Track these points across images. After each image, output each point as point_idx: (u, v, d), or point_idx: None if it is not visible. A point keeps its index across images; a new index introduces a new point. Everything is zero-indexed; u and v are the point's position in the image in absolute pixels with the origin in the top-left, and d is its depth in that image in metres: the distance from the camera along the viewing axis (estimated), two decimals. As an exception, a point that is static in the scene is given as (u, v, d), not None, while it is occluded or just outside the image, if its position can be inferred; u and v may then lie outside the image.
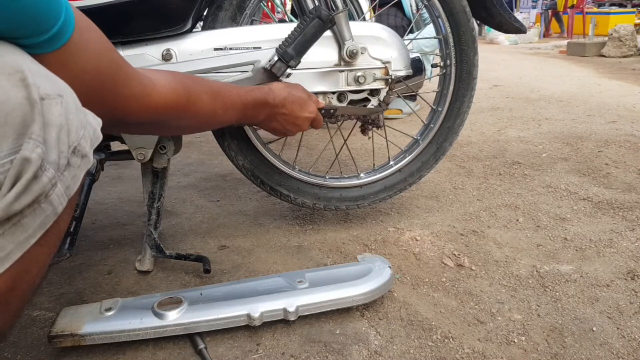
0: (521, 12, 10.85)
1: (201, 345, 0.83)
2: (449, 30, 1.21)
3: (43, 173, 0.43)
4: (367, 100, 1.14)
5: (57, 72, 0.49)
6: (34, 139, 0.42)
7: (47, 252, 0.48)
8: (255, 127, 0.94)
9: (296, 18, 1.96)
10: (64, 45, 0.51)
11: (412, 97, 2.65)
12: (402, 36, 1.17)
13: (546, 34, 10.13)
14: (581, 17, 8.87)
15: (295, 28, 0.96)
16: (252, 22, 1.14)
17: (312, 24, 0.94)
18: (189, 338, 0.86)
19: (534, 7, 11.28)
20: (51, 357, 0.83)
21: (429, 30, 2.41)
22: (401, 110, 2.70)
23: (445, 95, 1.27)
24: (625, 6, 10.80)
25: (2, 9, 0.43)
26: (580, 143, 2.04)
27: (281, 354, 0.83)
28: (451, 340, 0.86)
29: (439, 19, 1.21)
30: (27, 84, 0.42)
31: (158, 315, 0.84)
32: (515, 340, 0.85)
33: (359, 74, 1.09)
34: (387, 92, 1.13)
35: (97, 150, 1.05)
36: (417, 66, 2.48)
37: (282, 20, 2.17)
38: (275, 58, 0.96)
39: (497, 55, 6.32)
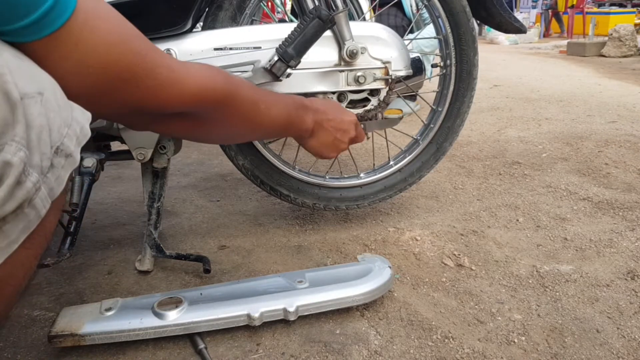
0: (521, 12, 10.85)
1: (201, 345, 0.83)
2: (449, 30, 1.21)
3: (27, 178, 0.41)
4: (367, 100, 1.14)
5: (49, 64, 0.46)
6: (16, 142, 0.39)
7: (32, 254, 0.47)
8: (304, 144, 0.85)
9: (296, 18, 1.96)
10: (54, 32, 0.46)
11: (412, 97, 2.65)
12: (402, 36, 1.17)
13: (546, 34, 10.13)
14: (581, 17, 8.88)
15: (295, 28, 0.95)
16: (252, 22, 1.14)
17: (312, 24, 0.94)
18: (189, 338, 0.86)
19: (534, 7, 11.28)
20: (51, 357, 0.83)
21: (429, 30, 2.41)
22: (401, 110, 2.70)
23: (445, 96, 1.27)
24: (625, 6, 10.80)
25: None
26: (580, 143, 2.04)
27: (281, 354, 0.83)
28: (451, 340, 0.86)
29: (439, 19, 1.21)
30: (4, 80, 0.39)
31: (158, 315, 0.84)
32: (515, 340, 0.85)
33: (359, 74, 1.09)
34: (387, 92, 1.13)
35: (97, 150, 1.05)
36: (417, 66, 2.48)
37: (282, 20, 2.17)
38: (276, 58, 0.96)
39: (497, 55, 6.32)
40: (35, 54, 0.46)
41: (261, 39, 1.03)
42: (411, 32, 2.63)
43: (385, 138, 1.32)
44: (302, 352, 0.83)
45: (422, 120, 1.36)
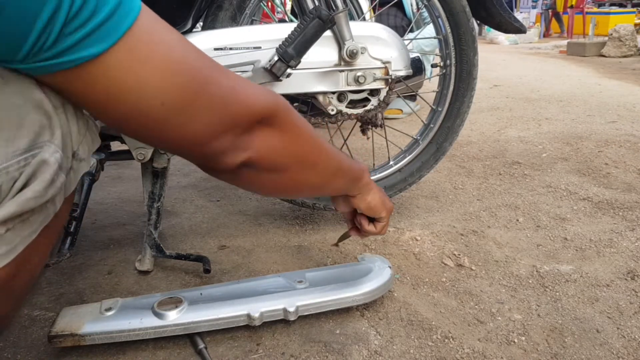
0: (521, 12, 10.85)
1: (201, 345, 0.83)
2: (449, 30, 1.21)
3: (58, 178, 0.45)
4: (367, 100, 1.14)
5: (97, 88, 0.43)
6: (55, 145, 0.44)
7: (47, 242, 0.50)
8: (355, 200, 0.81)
9: (296, 18, 1.96)
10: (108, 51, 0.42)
11: (412, 97, 2.65)
12: (402, 36, 1.17)
13: (546, 34, 10.13)
14: (581, 17, 8.88)
15: (295, 28, 0.95)
16: (252, 22, 1.14)
17: (312, 24, 0.94)
18: (189, 338, 0.86)
19: (534, 7, 11.28)
20: (51, 357, 0.83)
21: (429, 30, 2.41)
22: (401, 110, 2.70)
23: (445, 95, 1.27)
24: (625, 6, 10.80)
25: None
26: (580, 143, 2.04)
27: (281, 353, 0.83)
28: (451, 340, 0.86)
29: (439, 19, 1.21)
30: (39, 93, 0.43)
31: (158, 315, 0.84)
32: (515, 340, 0.85)
33: (359, 73, 1.09)
34: (387, 92, 1.13)
35: (97, 150, 1.05)
36: (417, 66, 2.48)
37: (282, 20, 2.17)
38: (276, 58, 0.96)
39: (497, 55, 6.32)
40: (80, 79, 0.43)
41: (261, 39, 1.03)
42: (411, 31, 2.63)
43: (385, 138, 1.32)
44: (302, 352, 0.83)
45: (422, 120, 1.36)
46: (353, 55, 1.07)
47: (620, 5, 10.96)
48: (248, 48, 1.02)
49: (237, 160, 0.56)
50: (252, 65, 1.00)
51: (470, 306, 0.95)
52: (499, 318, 0.92)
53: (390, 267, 0.98)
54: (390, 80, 1.11)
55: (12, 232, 0.43)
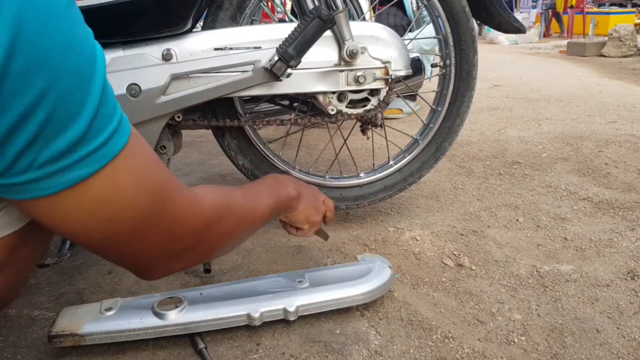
0: (521, 12, 10.84)
1: (201, 345, 0.83)
2: (448, 30, 1.21)
3: None
4: (367, 100, 1.14)
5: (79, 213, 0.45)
6: None
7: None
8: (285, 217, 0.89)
9: (296, 18, 1.96)
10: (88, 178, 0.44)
11: (412, 97, 2.65)
12: (401, 35, 1.17)
13: (546, 34, 10.12)
14: (581, 17, 8.87)
15: (295, 28, 0.95)
16: (252, 22, 1.14)
17: (313, 24, 0.94)
18: (189, 338, 0.86)
19: (534, 7, 11.27)
20: (51, 357, 0.83)
21: (429, 29, 2.41)
22: (401, 110, 2.70)
23: (445, 95, 1.27)
24: (625, 6, 10.79)
25: None
26: (580, 143, 2.04)
27: (281, 353, 0.83)
28: (451, 340, 0.86)
29: (439, 19, 1.21)
30: None
31: (158, 315, 0.84)
32: (515, 340, 0.85)
33: (359, 73, 1.09)
34: (387, 92, 1.13)
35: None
36: (416, 66, 2.48)
37: (282, 20, 2.17)
38: (276, 58, 0.96)
39: (497, 55, 6.32)
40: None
41: (261, 38, 1.03)
42: (411, 31, 2.63)
43: (385, 138, 1.32)
44: (302, 352, 0.83)
45: (422, 120, 1.36)
46: (353, 55, 1.07)
47: (620, 5, 10.95)
48: (248, 48, 1.02)
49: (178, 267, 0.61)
50: (252, 65, 1.00)
51: (470, 306, 0.95)
52: (499, 318, 0.92)
53: (390, 267, 0.98)
54: (390, 80, 1.11)
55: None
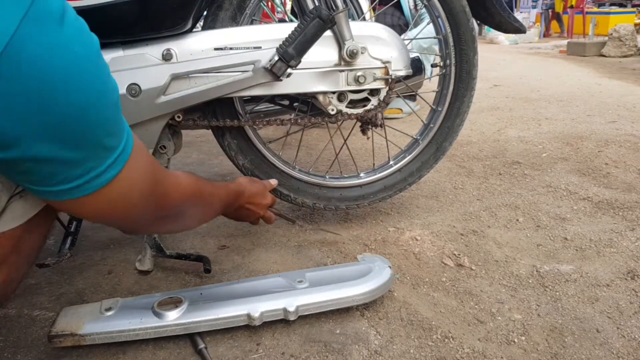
0: (521, 12, 10.84)
1: (201, 345, 0.83)
2: (448, 30, 1.21)
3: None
4: (367, 100, 1.14)
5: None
6: None
7: (47, 217, 0.60)
8: (225, 215, 1.01)
9: (296, 18, 1.96)
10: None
11: (412, 97, 2.65)
12: (400, 35, 1.17)
13: (546, 34, 10.12)
14: (581, 17, 8.87)
15: (295, 28, 0.95)
16: (252, 22, 1.14)
17: (313, 24, 0.94)
18: (189, 338, 0.86)
19: (534, 7, 11.27)
20: (51, 357, 0.83)
21: (428, 29, 2.41)
22: (401, 110, 2.70)
23: (445, 95, 1.27)
24: (625, 6, 10.79)
25: None
26: (580, 143, 2.04)
27: (281, 353, 0.83)
28: (451, 340, 0.86)
29: (439, 19, 1.21)
30: None
31: (158, 315, 0.84)
32: (515, 340, 0.85)
33: (359, 73, 1.09)
34: (387, 92, 1.13)
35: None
36: (416, 66, 2.48)
37: (282, 20, 2.17)
38: (276, 58, 0.96)
39: (497, 55, 6.32)
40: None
41: (261, 38, 1.03)
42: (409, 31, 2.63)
43: (385, 138, 1.32)
44: (302, 352, 0.83)
45: (422, 120, 1.36)
46: (353, 55, 1.07)
47: (620, 5, 10.95)
48: (248, 48, 1.02)
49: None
50: (253, 65, 1.00)
51: (470, 306, 0.95)
52: (499, 318, 0.92)
53: (390, 267, 0.98)
54: (390, 80, 1.11)
55: (24, 200, 0.57)
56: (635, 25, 7.36)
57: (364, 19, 1.69)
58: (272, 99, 1.36)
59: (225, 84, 0.99)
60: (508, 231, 1.28)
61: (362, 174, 1.30)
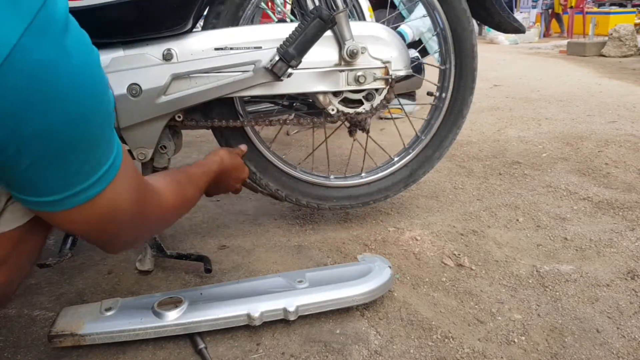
0: (521, 12, 10.84)
1: (201, 345, 0.83)
2: (453, 63, 1.24)
3: None
4: (366, 99, 1.14)
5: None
6: None
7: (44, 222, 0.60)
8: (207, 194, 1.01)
9: (296, 18, 1.96)
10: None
11: (412, 97, 2.64)
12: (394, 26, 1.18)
13: (546, 34, 10.12)
14: (581, 17, 8.87)
15: (296, 28, 0.96)
16: (252, 22, 1.14)
17: (313, 24, 0.94)
18: (189, 338, 0.86)
19: (534, 7, 11.27)
20: (51, 357, 0.83)
21: (419, 10, 2.42)
22: (402, 109, 2.69)
23: (432, 125, 1.29)
24: (625, 6, 10.80)
25: None
26: (581, 143, 2.04)
27: (281, 353, 0.83)
28: (451, 340, 0.86)
29: (446, 51, 1.23)
30: None
31: (158, 315, 0.84)
32: (515, 340, 0.85)
33: (359, 73, 1.09)
34: (387, 92, 1.13)
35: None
36: (416, 66, 2.47)
37: (282, 20, 2.17)
38: (277, 58, 0.96)
39: (497, 55, 6.32)
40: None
41: (262, 38, 1.03)
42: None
43: (378, 142, 1.32)
44: (302, 352, 0.83)
45: (416, 131, 1.35)
46: (353, 55, 1.07)
47: (620, 5, 10.95)
48: (249, 48, 1.02)
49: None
50: (253, 65, 1.00)
51: (470, 306, 0.96)
52: (499, 318, 0.92)
53: (390, 267, 0.98)
54: (390, 79, 1.11)
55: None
56: (635, 25, 7.37)
57: (363, 18, 1.69)
58: (273, 99, 1.36)
59: (226, 84, 0.99)
60: (508, 231, 1.28)
61: (363, 174, 1.30)
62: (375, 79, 1.10)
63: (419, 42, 2.51)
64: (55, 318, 0.83)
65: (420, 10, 2.34)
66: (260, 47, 1.02)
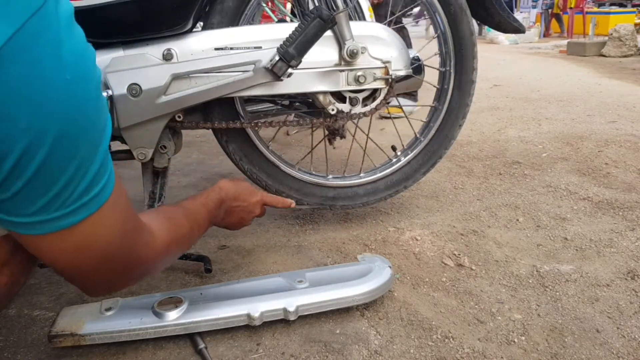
0: (521, 12, 10.83)
1: (201, 345, 0.83)
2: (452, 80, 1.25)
3: None
4: (367, 99, 1.14)
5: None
6: None
7: None
8: (217, 225, 0.95)
9: (296, 18, 1.96)
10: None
11: (413, 97, 2.64)
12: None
13: (546, 34, 10.12)
14: (581, 17, 8.87)
15: (296, 28, 0.95)
16: (252, 22, 1.14)
17: (313, 24, 0.94)
18: (189, 338, 0.86)
19: (534, 7, 11.27)
20: (51, 357, 0.83)
21: None
22: (402, 109, 2.69)
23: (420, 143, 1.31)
24: (625, 6, 10.80)
25: None
26: (581, 143, 2.04)
27: (281, 353, 0.83)
28: (451, 340, 0.86)
29: (446, 53, 1.23)
30: None
31: (158, 315, 0.84)
32: (515, 340, 0.85)
33: (359, 73, 1.09)
34: (387, 92, 1.13)
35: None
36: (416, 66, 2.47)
37: (282, 20, 2.16)
38: (277, 58, 0.96)
39: (497, 55, 6.32)
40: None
41: (262, 38, 1.03)
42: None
43: (372, 141, 1.32)
44: (302, 352, 0.83)
45: (416, 134, 1.36)
46: (353, 55, 1.07)
47: (620, 5, 10.95)
48: (249, 48, 1.02)
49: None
50: (253, 65, 1.00)
51: (470, 306, 0.96)
52: (499, 318, 0.92)
53: (390, 267, 0.98)
54: (390, 79, 1.11)
55: None
56: (635, 25, 7.36)
57: (364, 18, 1.68)
58: (273, 99, 1.36)
59: (226, 84, 0.99)
60: (508, 231, 1.28)
61: (362, 174, 1.30)
62: (375, 79, 1.10)
63: None
64: (55, 318, 0.83)
65: None
66: (260, 47, 1.02)
